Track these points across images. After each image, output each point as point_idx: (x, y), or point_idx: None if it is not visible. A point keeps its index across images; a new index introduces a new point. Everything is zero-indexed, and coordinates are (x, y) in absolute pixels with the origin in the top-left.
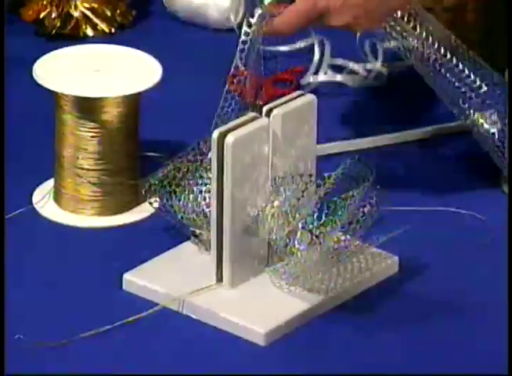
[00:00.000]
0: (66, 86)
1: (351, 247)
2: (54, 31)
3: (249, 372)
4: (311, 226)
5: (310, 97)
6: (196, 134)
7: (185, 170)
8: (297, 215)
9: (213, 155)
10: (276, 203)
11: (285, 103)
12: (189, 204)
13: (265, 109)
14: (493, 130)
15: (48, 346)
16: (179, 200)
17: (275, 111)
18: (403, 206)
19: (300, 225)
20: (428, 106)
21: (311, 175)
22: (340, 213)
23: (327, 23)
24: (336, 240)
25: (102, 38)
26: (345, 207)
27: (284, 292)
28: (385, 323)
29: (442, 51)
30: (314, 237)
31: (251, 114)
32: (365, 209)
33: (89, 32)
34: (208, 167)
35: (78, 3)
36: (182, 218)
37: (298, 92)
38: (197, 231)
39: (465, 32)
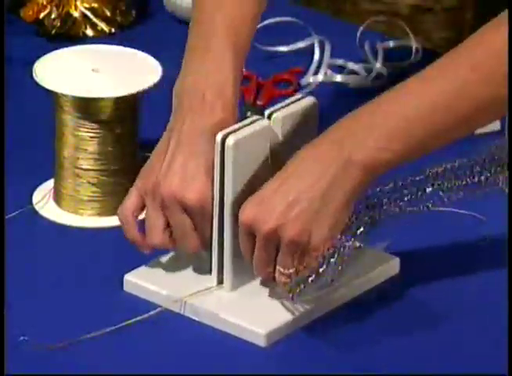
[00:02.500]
0: (66, 86)
1: (352, 249)
2: (54, 31)
3: (249, 373)
4: None
5: (311, 100)
6: None
7: None
8: None
9: (214, 157)
10: None
11: (286, 105)
12: None
13: (266, 112)
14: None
15: (49, 348)
16: None
17: (276, 114)
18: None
19: None
20: None
21: None
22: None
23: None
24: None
25: (102, 38)
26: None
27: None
28: (386, 324)
29: None
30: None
31: (253, 116)
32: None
33: (89, 32)
34: None
35: (78, 3)
36: None
37: (300, 95)
38: None
39: (465, 32)
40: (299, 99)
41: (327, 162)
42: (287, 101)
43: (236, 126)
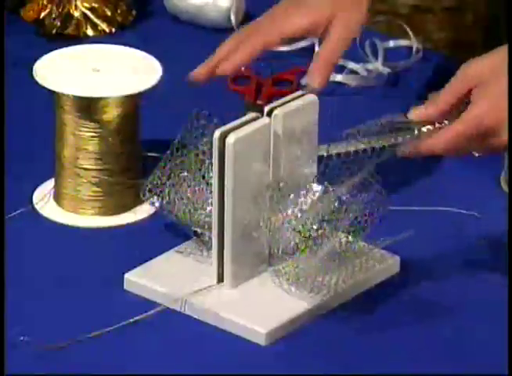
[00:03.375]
0: (66, 86)
1: (354, 249)
2: (54, 31)
3: (249, 372)
4: (309, 231)
5: (311, 97)
6: None
7: (185, 168)
8: (300, 219)
9: (214, 155)
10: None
11: (286, 103)
12: (190, 204)
13: (266, 109)
14: None
15: (48, 348)
16: (181, 198)
17: (276, 111)
18: (403, 206)
19: (300, 229)
20: None
21: (313, 180)
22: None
23: (497, 140)
24: (339, 241)
25: (103, 38)
26: (349, 212)
27: (285, 292)
28: (386, 323)
29: None
30: (311, 242)
31: (253, 114)
32: (368, 213)
33: (89, 32)
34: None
35: (78, 3)
36: (182, 217)
37: (299, 92)
38: (199, 230)
39: (465, 32)
40: (299, 97)
41: None
42: (287, 98)
43: (236, 124)
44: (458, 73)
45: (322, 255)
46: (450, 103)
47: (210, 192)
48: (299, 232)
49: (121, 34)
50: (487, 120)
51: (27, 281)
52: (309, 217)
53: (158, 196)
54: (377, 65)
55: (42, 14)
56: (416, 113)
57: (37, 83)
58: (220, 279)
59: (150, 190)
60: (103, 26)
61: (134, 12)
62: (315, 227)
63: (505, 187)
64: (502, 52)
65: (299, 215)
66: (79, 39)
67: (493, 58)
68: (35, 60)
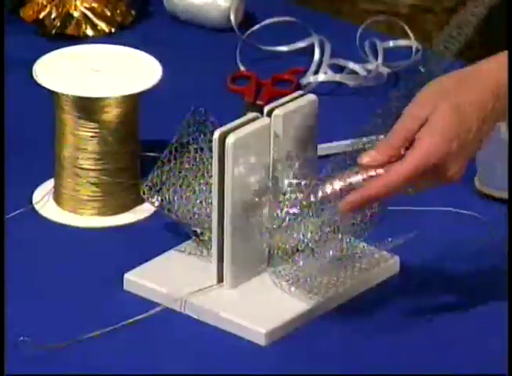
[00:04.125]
0: (66, 86)
1: (354, 249)
2: (54, 31)
3: (249, 372)
4: (310, 231)
5: (311, 97)
6: None
7: (185, 168)
8: (300, 222)
9: (214, 155)
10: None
11: (286, 103)
12: (190, 204)
13: (266, 109)
14: None
15: (49, 348)
16: (181, 198)
17: (276, 111)
18: (403, 206)
19: (300, 229)
20: None
21: (313, 182)
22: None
23: (443, 174)
24: (339, 242)
25: (102, 38)
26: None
27: (285, 292)
28: (386, 323)
29: None
30: (312, 242)
31: (253, 114)
32: (369, 214)
33: (89, 32)
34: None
35: (78, 3)
36: (182, 217)
37: (299, 92)
38: (199, 231)
39: None
40: (299, 97)
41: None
42: (287, 98)
43: (236, 124)
44: (404, 115)
45: (323, 256)
46: (400, 146)
47: (210, 192)
48: (299, 232)
49: (121, 34)
50: (433, 157)
51: (27, 281)
52: (309, 217)
53: (158, 195)
54: (377, 65)
55: (42, 14)
56: (367, 159)
57: (37, 83)
58: (220, 279)
59: (150, 190)
60: (103, 26)
61: (133, 12)
62: (315, 227)
63: (480, 188)
64: (440, 82)
65: (299, 215)
66: (79, 39)
67: (433, 91)
68: (35, 60)
